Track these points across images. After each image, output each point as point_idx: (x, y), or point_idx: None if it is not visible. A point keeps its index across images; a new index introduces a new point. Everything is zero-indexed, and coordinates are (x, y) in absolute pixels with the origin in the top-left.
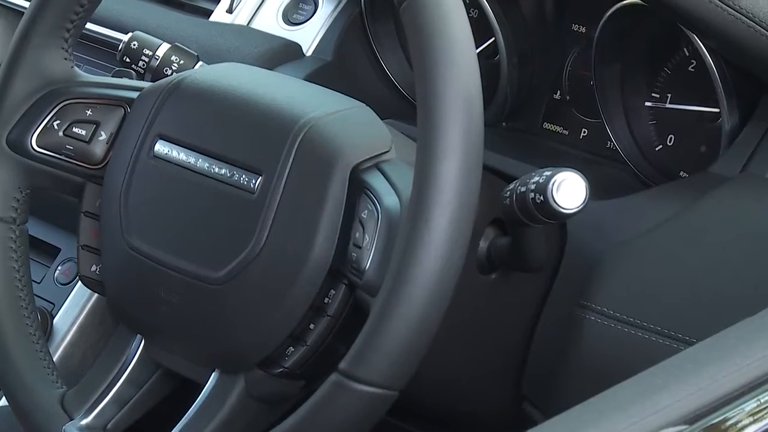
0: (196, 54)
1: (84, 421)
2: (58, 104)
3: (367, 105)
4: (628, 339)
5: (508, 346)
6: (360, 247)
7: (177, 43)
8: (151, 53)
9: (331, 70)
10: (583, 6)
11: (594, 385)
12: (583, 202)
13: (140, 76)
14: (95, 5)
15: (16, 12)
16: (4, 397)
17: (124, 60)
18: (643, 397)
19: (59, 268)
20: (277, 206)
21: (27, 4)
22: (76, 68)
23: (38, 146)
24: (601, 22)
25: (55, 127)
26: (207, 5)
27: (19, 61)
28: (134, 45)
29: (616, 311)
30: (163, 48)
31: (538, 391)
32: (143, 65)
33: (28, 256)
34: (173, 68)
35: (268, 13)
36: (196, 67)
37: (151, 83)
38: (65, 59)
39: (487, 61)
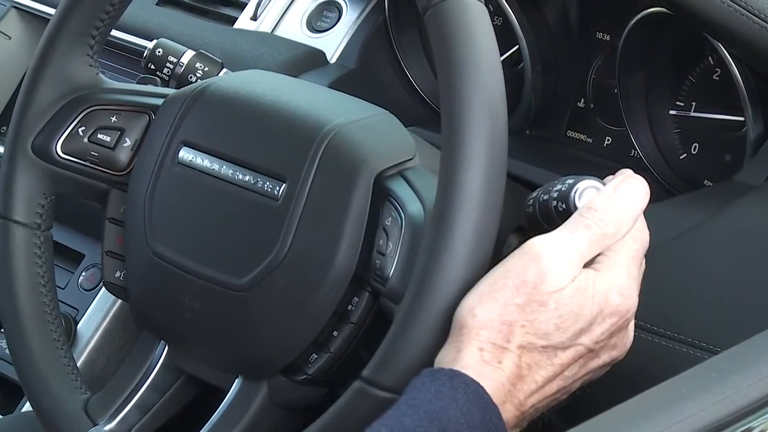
0: (220, 61)
1: (107, 427)
2: (84, 111)
3: (390, 112)
4: (652, 347)
5: None
6: (384, 255)
7: (201, 50)
8: (175, 60)
9: (355, 77)
10: (607, 14)
11: (618, 393)
12: None
13: (165, 83)
14: (120, 12)
15: (41, 19)
16: (28, 402)
17: (149, 67)
18: (667, 406)
19: (83, 273)
20: (301, 213)
21: (51, 11)
22: (101, 75)
23: (63, 152)
24: (626, 31)
25: (80, 133)
26: (231, 12)
27: (45, 68)
28: (159, 52)
29: (640, 319)
30: (188, 55)
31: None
32: (168, 72)
33: (53, 261)
34: (198, 75)
35: (292, 20)
36: (221, 74)
37: (175, 90)
38: (90, 66)
39: (511, 68)
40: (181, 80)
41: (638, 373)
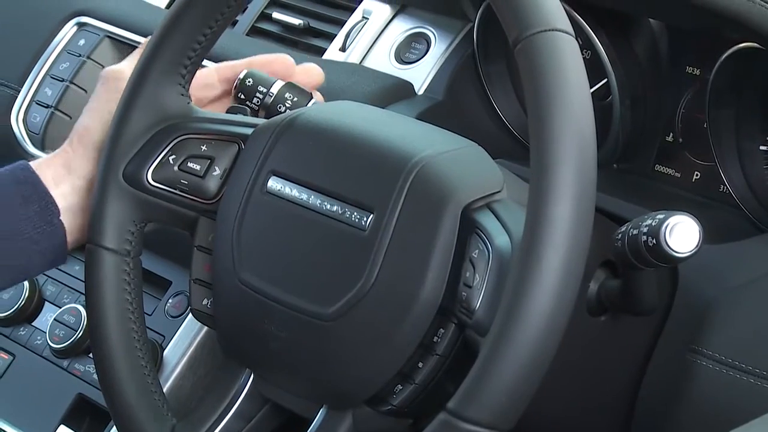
0: (309, 91)
1: None
2: (174, 139)
3: (478, 144)
4: (741, 385)
5: (616, 389)
6: (470, 287)
7: (290, 81)
8: (265, 90)
9: (443, 109)
10: (697, 48)
11: (704, 430)
12: (697, 246)
13: (254, 113)
14: (212, 43)
15: (133, 48)
16: (114, 428)
17: (239, 96)
18: None
19: (170, 300)
20: (388, 244)
21: (142, 40)
22: (192, 104)
23: (154, 180)
24: (717, 65)
25: (171, 161)
26: (320, 43)
27: (138, 97)
28: (249, 82)
29: (729, 356)
30: (277, 85)
31: None
32: (257, 102)
33: (141, 288)
34: (287, 105)
35: (380, 51)
36: (310, 104)
37: (265, 120)
38: (182, 95)
39: (599, 102)
40: (270, 110)
41: (725, 411)
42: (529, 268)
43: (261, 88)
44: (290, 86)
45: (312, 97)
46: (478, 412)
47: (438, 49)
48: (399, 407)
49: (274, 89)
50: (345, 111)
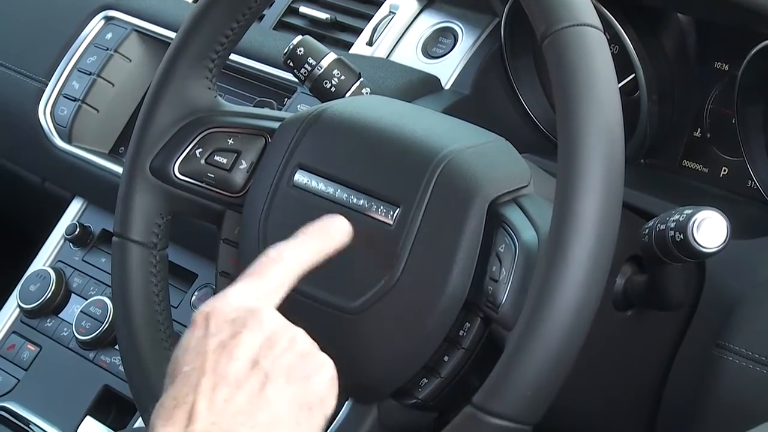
0: (358, 71)
1: None
2: (201, 133)
3: (505, 139)
4: (764, 378)
5: (642, 384)
6: (496, 281)
7: (342, 57)
8: (314, 63)
9: (469, 103)
10: (726, 43)
11: (730, 426)
12: (724, 241)
13: (300, 82)
14: (239, 37)
15: (161, 42)
16: (140, 419)
17: (288, 63)
18: None
19: (196, 293)
20: (414, 238)
21: (171, 35)
22: (219, 98)
23: (180, 173)
24: (746, 61)
25: (198, 155)
26: (348, 38)
27: (165, 90)
28: (300, 51)
29: (755, 352)
30: (328, 59)
31: (672, 430)
32: (305, 73)
33: (168, 281)
34: (333, 82)
35: (407, 46)
36: (355, 86)
37: (291, 114)
38: (209, 89)
39: (627, 97)
40: (316, 83)
41: (752, 406)
42: (555, 262)
43: (311, 60)
44: (340, 62)
45: (360, 78)
46: (503, 406)
47: (465, 44)
48: (424, 401)
49: (324, 62)
50: (372, 105)
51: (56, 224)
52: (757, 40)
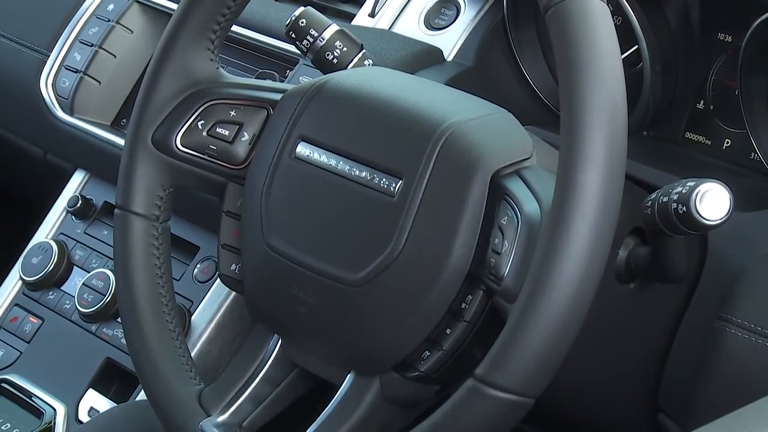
0: (360, 43)
1: (221, 418)
2: (203, 104)
3: (508, 111)
4: None
5: (645, 356)
6: (499, 253)
7: (344, 29)
8: (316, 34)
9: (472, 75)
10: (729, 15)
11: (733, 398)
12: (727, 213)
13: (302, 54)
14: (241, 8)
15: (162, 13)
16: (143, 391)
17: (290, 35)
18: None
19: (198, 266)
20: (416, 210)
21: (173, 6)
22: (221, 69)
23: (182, 145)
24: (749, 32)
25: (200, 127)
26: (350, 9)
27: (167, 62)
28: (302, 23)
29: (758, 324)
30: (330, 30)
31: (674, 403)
32: (307, 44)
33: (170, 253)
34: (335, 54)
35: (410, 17)
36: (358, 56)
37: (293, 86)
38: (211, 60)
39: (630, 68)
40: (318, 55)
41: (754, 378)
42: (558, 234)
43: (313, 31)
44: (342, 34)
45: (363, 49)
46: (505, 378)
47: (468, 16)
48: (426, 373)
49: (326, 34)
50: (374, 77)
51: (58, 196)
52: (760, 11)
